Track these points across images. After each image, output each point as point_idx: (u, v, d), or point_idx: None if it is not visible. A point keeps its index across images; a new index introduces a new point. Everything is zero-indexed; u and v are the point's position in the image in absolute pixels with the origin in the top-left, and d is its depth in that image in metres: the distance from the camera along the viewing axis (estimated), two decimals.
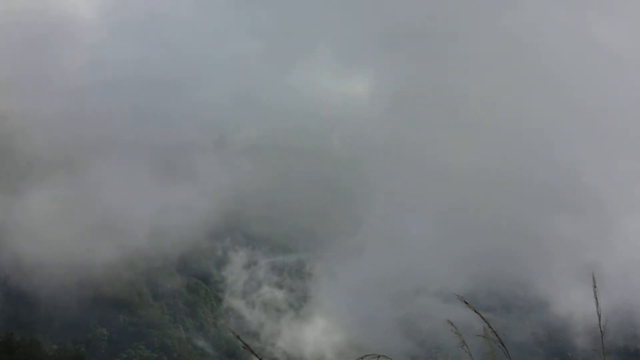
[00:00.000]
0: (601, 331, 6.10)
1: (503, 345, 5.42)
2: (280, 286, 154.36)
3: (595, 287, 6.10)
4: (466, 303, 5.16)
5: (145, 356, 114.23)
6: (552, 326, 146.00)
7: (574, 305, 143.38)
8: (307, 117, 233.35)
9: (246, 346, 5.24)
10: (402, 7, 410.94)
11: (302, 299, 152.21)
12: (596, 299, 5.97)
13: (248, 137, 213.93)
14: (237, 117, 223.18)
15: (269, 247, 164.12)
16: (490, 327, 5.28)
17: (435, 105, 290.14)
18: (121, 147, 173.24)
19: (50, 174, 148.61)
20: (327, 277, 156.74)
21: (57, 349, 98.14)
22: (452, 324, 5.42)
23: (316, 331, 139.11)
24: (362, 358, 4.31)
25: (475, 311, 5.24)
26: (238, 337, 5.39)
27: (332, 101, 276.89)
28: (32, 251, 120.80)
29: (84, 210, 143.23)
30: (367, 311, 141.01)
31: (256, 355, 5.22)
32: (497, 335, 5.30)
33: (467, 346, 5.89)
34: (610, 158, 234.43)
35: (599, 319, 5.99)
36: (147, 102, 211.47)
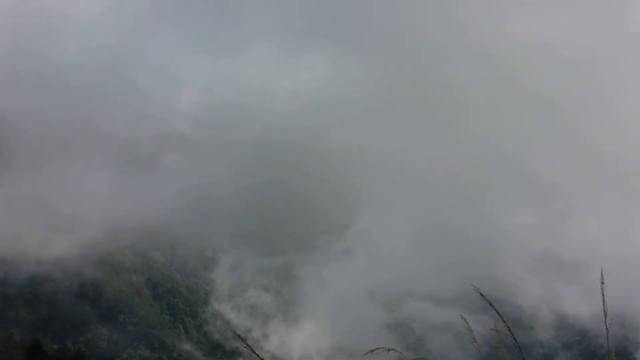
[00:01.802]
0: (607, 329, 5.88)
1: (515, 339, 5.21)
2: (267, 289, 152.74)
3: (602, 283, 5.86)
4: (481, 295, 4.95)
5: (145, 356, 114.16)
6: (548, 324, 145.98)
7: (565, 303, 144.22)
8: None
9: (248, 346, 5.04)
10: None
11: (289, 303, 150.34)
12: (603, 296, 5.73)
13: (239, 134, 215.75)
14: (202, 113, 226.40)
15: (255, 249, 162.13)
16: (503, 320, 5.07)
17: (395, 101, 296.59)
18: (90, 142, 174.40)
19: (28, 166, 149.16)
20: (314, 281, 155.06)
21: (57, 349, 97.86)
22: (464, 319, 5.21)
23: (304, 335, 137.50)
24: (372, 351, 4.13)
25: (490, 304, 5.03)
26: (241, 337, 5.17)
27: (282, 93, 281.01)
28: None
29: (45, 207, 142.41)
30: (356, 315, 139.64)
31: (257, 356, 5.01)
32: (509, 329, 5.09)
33: (477, 342, 5.66)
34: (564, 153, 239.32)
35: (605, 317, 5.77)
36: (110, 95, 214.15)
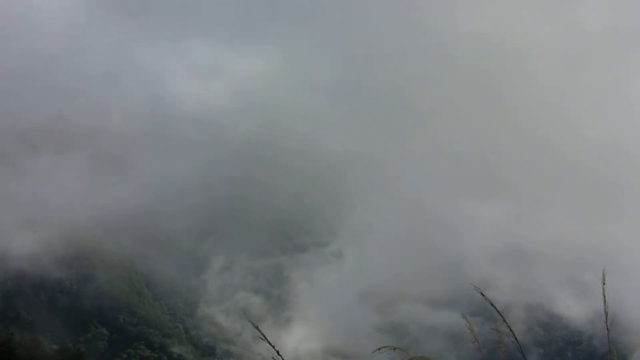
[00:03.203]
0: (607, 329, 5.99)
1: (516, 339, 5.33)
2: (257, 291, 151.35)
3: (604, 284, 5.97)
4: (482, 295, 5.07)
5: (145, 356, 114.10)
6: (548, 325, 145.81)
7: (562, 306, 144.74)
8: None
9: (263, 337, 5.13)
10: None
11: (280, 305, 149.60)
12: (604, 296, 5.85)
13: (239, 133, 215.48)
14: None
15: (246, 250, 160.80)
16: (505, 320, 5.19)
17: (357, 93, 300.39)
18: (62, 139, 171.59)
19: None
20: (305, 283, 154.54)
21: (57, 349, 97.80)
22: (466, 319, 5.33)
23: (296, 338, 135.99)
24: (379, 349, 4.24)
25: (492, 304, 5.15)
26: (257, 328, 5.24)
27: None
28: None
29: (15, 204, 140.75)
30: (347, 317, 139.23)
31: (273, 347, 5.11)
32: (510, 328, 5.21)
33: (478, 342, 5.78)
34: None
35: (606, 317, 5.89)
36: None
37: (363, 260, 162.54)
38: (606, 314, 5.73)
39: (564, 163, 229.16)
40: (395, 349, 4.34)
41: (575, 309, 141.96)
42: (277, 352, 5.17)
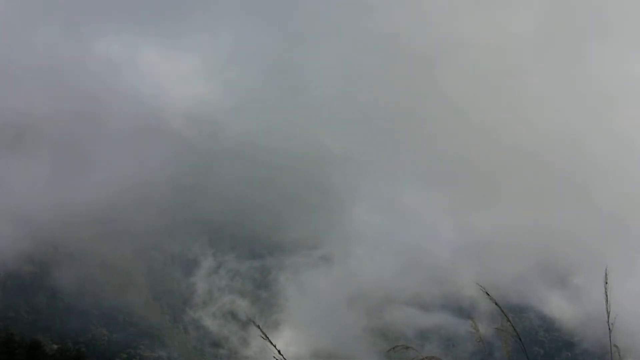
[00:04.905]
0: (609, 329, 6.17)
1: (520, 339, 5.50)
2: (244, 294, 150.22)
3: (606, 283, 6.15)
4: (488, 295, 5.24)
5: (145, 356, 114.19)
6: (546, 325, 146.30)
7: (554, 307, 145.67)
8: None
9: (266, 337, 5.30)
10: None
11: (267, 308, 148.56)
12: (606, 295, 6.02)
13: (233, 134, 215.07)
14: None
15: (235, 252, 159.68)
16: (509, 320, 5.37)
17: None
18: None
19: None
20: (293, 286, 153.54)
21: (57, 349, 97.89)
22: (472, 319, 5.51)
23: (284, 341, 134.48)
24: (393, 348, 4.41)
25: (497, 304, 5.32)
26: (258, 327, 5.46)
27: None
28: None
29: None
30: (336, 320, 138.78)
31: (274, 346, 5.29)
32: (514, 329, 5.39)
33: (482, 342, 5.96)
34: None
35: (608, 316, 6.07)
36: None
37: (352, 263, 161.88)
38: (608, 313, 5.88)
39: (514, 154, 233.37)
40: (407, 348, 4.52)
41: (543, 298, 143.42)
42: (279, 352, 5.35)
